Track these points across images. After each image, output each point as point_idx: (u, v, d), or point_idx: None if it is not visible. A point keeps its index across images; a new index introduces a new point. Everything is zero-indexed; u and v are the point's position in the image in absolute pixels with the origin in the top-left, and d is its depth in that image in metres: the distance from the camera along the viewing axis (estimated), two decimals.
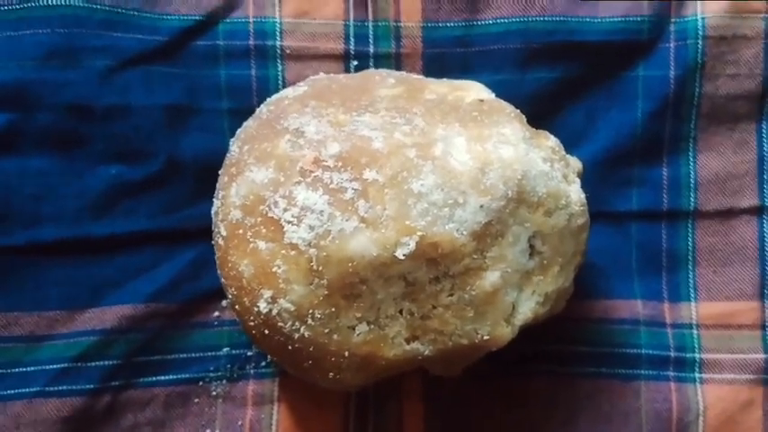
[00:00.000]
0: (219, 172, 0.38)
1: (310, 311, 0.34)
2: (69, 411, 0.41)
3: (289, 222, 0.33)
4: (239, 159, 0.36)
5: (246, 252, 0.34)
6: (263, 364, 0.44)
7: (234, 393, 0.43)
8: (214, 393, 0.43)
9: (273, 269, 0.33)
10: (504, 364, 0.43)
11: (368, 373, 0.36)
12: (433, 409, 0.43)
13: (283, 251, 0.33)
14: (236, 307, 0.36)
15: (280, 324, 0.34)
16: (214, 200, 0.38)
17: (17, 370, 0.42)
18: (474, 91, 0.39)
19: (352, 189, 0.33)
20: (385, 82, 0.38)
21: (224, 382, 0.43)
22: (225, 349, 0.43)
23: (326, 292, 0.33)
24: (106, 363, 0.42)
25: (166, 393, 0.43)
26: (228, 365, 0.43)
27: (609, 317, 0.44)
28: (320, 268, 0.33)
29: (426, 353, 0.35)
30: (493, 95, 0.39)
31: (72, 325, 0.42)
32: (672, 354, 0.44)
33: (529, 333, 0.37)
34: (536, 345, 0.43)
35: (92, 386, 0.42)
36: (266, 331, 0.35)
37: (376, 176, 0.33)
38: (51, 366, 0.42)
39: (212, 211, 0.38)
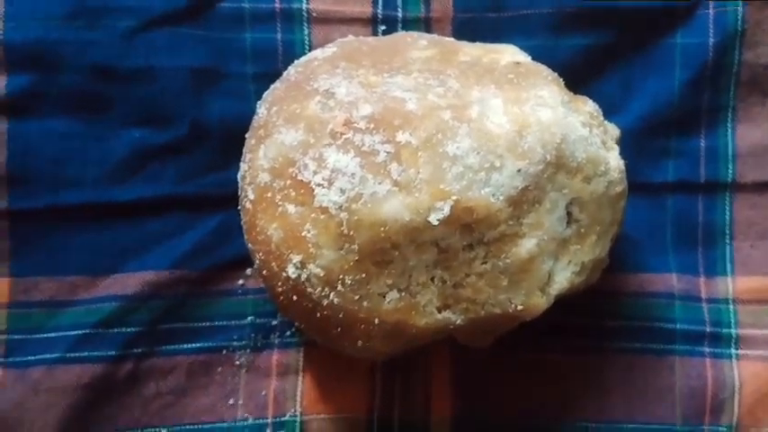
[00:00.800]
0: (246, 135, 0.37)
1: (340, 277, 0.33)
2: (90, 378, 0.41)
3: (319, 185, 0.32)
4: (267, 121, 0.35)
5: (275, 216, 0.33)
6: (288, 333, 0.43)
7: (258, 363, 0.43)
8: (238, 363, 0.43)
9: (303, 233, 0.32)
10: (536, 336, 0.42)
11: (397, 341, 0.35)
12: (461, 380, 0.42)
13: (313, 215, 0.32)
14: (264, 272, 0.35)
15: (309, 290, 0.33)
16: (241, 163, 0.37)
17: (38, 336, 0.41)
18: (509, 53, 0.37)
19: (385, 152, 0.32)
20: (417, 44, 0.37)
21: (248, 351, 0.43)
22: (249, 318, 0.43)
23: (357, 258, 0.32)
24: (128, 330, 0.41)
25: (189, 362, 0.42)
26: (252, 334, 0.43)
27: (643, 290, 0.43)
28: (351, 233, 0.32)
29: (458, 322, 0.34)
30: (529, 58, 0.38)
31: (94, 291, 0.42)
32: (707, 329, 0.43)
33: (561, 305, 0.36)
34: (568, 317, 0.42)
35: (113, 353, 0.41)
36: (294, 297, 0.34)
37: (409, 139, 0.32)
38: (72, 332, 0.41)
39: (239, 175, 0.37)
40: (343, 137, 0.33)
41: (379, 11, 0.43)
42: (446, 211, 0.32)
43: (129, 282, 0.42)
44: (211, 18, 0.43)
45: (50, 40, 0.41)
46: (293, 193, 0.33)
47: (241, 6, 0.43)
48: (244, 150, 0.37)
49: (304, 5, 0.43)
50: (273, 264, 0.34)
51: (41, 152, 0.41)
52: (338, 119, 0.33)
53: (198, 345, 0.42)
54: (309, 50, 0.43)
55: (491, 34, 0.43)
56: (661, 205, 0.44)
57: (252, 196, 0.35)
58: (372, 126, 0.33)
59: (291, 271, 0.33)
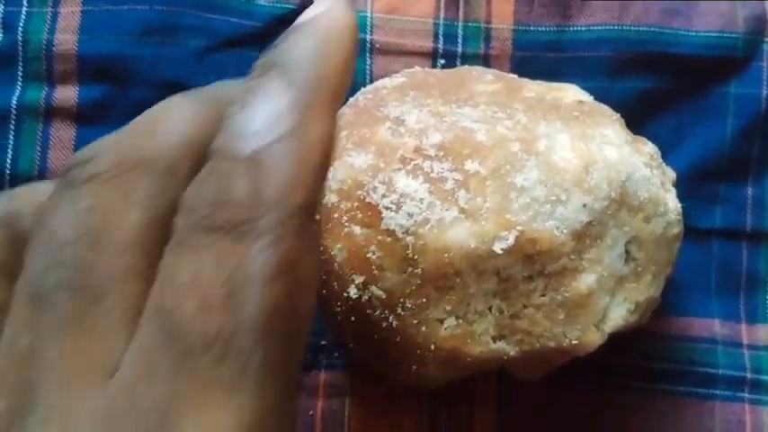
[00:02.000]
0: None
1: (401, 300, 0.33)
2: None
3: (387, 208, 0.33)
4: (336, 145, 0.36)
5: (340, 236, 0.34)
6: (336, 354, 0.43)
7: (306, 382, 0.43)
8: None
9: (368, 255, 0.33)
10: (581, 374, 0.42)
11: (451, 369, 0.35)
12: (506, 414, 0.42)
13: (379, 237, 0.33)
14: (323, 291, 0.35)
15: (369, 311, 0.34)
16: None
17: None
18: (572, 92, 0.38)
19: (453, 179, 0.33)
20: (482, 78, 0.38)
21: None
22: None
23: (419, 282, 0.33)
24: None
25: None
26: None
27: (686, 334, 0.43)
28: (416, 257, 0.32)
29: (512, 353, 0.35)
30: (591, 98, 0.39)
31: None
32: (748, 375, 0.43)
33: (607, 344, 0.36)
34: (613, 357, 0.42)
35: None
36: (353, 318, 0.34)
37: (478, 168, 0.33)
38: None
39: None
40: (413, 162, 0.33)
41: (440, 46, 0.44)
42: (510, 240, 0.32)
43: None
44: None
45: (123, 55, 0.42)
46: (360, 215, 0.33)
47: None
48: None
49: (368, 36, 0.44)
50: (335, 284, 0.34)
51: None
52: (408, 145, 0.34)
53: None
54: (370, 80, 0.44)
55: (549, 73, 0.44)
56: (707, 251, 0.44)
57: (318, 216, 0.35)
58: (442, 154, 0.33)
59: (353, 292, 0.34)
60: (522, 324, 0.34)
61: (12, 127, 0.42)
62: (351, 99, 0.39)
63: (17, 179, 0.41)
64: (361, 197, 0.34)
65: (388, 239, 0.33)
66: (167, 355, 0.19)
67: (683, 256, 0.42)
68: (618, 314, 0.35)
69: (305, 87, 0.22)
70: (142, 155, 0.22)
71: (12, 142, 0.42)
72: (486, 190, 0.32)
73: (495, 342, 0.34)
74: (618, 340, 0.37)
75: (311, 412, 0.42)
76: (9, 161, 0.42)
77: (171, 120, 0.24)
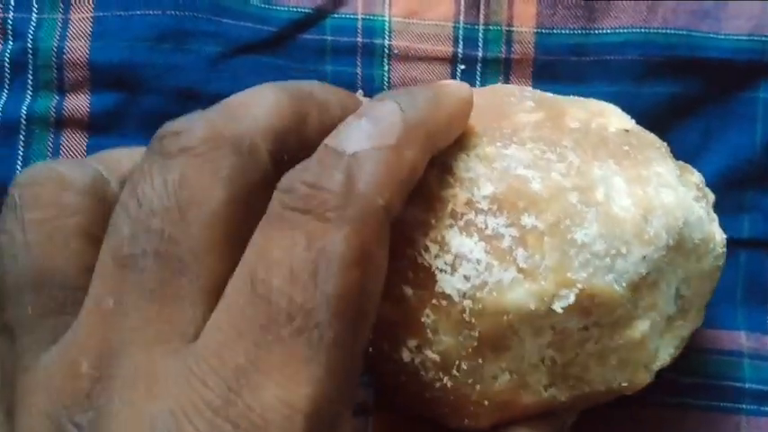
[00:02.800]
0: None
1: (456, 363, 0.32)
2: None
3: (441, 270, 0.31)
4: None
5: (391, 296, 0.32)
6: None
7: None
8: None
9: (422, 318, 0.31)
10: None
11: (502, 418, 0.34)
12: None
13: (434, 300, 0.31)
14: (371, 350, 0.34)
15: (421, 373, 0.32)
16: None
17: None
18: (615, 117, 0.36)
19: (510, 236, 0.31)
20: (522, 105, 0.35)
21: None
22: None
23: (476, 344, 0.31)
24: None
25: None
26: None
27: (712, 347, 0.43)
28: (472, 320, 0.31)
29: (562, 399, 0.34)
30: (632, 122, 0.37)
31: None
32: None
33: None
34: None
35: None
36: (403, 378, 0.33)
37: (535, 222, 0.31)
38: None
39: None
40: (465, 217, 0.31)
41: (460, 50, 0.42)
42: (571, 299, 0.31)
43: None
44: (294, 48, 0.42)
45: (137, 62, 0.40)
46: (411, 275, 0.31)
47: (323, 39, 0.42)
48: None
49: (386, 42, 0.42)
50: (385, 344, 0.33)
51: None
52: (459, 198, 0.31)
53: None
54: (388, 86, 0.42)
55: (572, 78, 0.42)
56: (734, 261, 0.44)
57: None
58: (495, 207, 0.31)
59: (405, 355, 0.32)
60: (574, 371, 0.33)
61: (21, 137, 0.40)
62: None
63: None
64: (413, 256, 0.31)
65: (444, 303, 0.31)
66: (254, 322, 0.20)
67: None
68: (666, 353, 0.35)
69: (413, 120, 0.26)
70: (230, 134, 0.24)
71: (21, 153, 0.40)
72: (545, 247, 0.31)
73: (546, 390, 0.34)
74: None
75: None
76: (19, 172, 0.40)
77: (259, 106, 0.26)
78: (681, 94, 0.43)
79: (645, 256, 0.32)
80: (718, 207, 0.43)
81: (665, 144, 0.36)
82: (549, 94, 0.38)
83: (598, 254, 0.31)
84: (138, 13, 0.40)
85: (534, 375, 0.33)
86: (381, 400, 0.42)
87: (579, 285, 0.31)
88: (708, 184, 0.42)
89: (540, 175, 0.32)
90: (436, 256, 0.31)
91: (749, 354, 0.43)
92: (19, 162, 0.41)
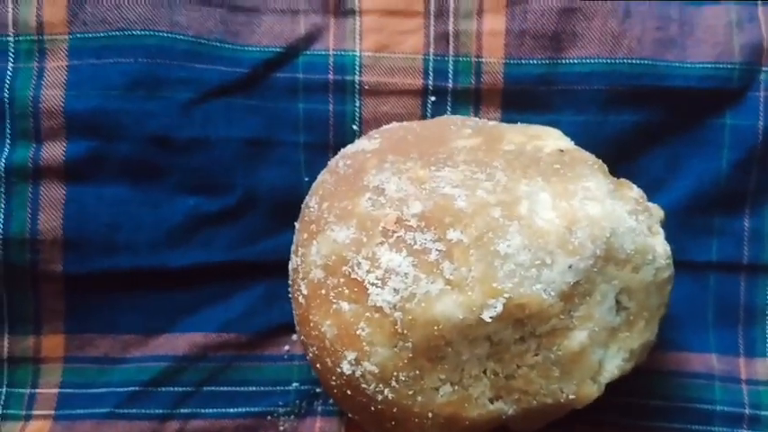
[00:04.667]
0: (297, 226, 0.38)
1: (394, 374, 0.33)
2: None
3: (373, 284, 0.33)
4: (319, 217, 0.36)
5: (329, 313, 0.34)
6: (331, 401, 0.43)
7: (301, 430, 0.43)
8: (282, 429, 0.43)
9: (357, 331, 0.33)
10: (575, 414, 0.41)
11: None
12: None
13: (367, 313, 0.33)
14: (317, 365, 0.35)
15: (363, 386, 0.34)
16: (292, 255, 0.38)
17: (89, 391, 0.42)
18: (552, 139, 0.38)
19: (437, 250, 0.33)
20: (461, 132, 0.38)
21: (292, 417, 0.43)
22: (294, 384, 0.43)
23: (411, 355, 0.33)
24: (176, 389, 0.42)
25: (235, 426, 0.42)
26: (297, 401, 0.43)
27: (683, 370, 0.43)
28: (405, 331, 0.32)
29: (510, 412, 0.35)
30: (572, 144, 0.38)
31: (145, 349, 0.43)
32: (747, 411, 0.42)
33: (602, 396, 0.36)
34: (607, 396, 0.41)
35: (161, 411, 0.42)
36: (348, 392, 0.34)
37: (460, 237, 0.33)
38: (123, 389, 0.42)
39: (290, 267, 0.38)
40: (395, 235, 0.33)
41: (430, 82, 0.44)
42: (499, 308, 0.32)
43: (178, 342, 0.43)
44: (266, 88, 0.43)
45: (110, 110, 0.42)
46: (347, 291, 0.33)
47: (295, 77, 0.44)
48: (295, 240, 0.38)
49: (357, 78, 0.44)
50: (327, 359, 0.34)
51: (97, 217, 0.42)
52: (389, 217, 0.34)
53: (244, 409, 0.43)
54: (359, 121, 0.44)
55: (540, 107, 0.43)
56: (703, 284, 0.44)
57: (305, 291, 0.35)
58: (423, 224, 0.33)
59: (346, 368, 0.34)
60: (518, 384, 0.34)
61: (2, 189, 0.42)
62: (330, 162, 0.39)
63: (9, 242, 0.42)
64: (347, 273, 0.33)
65: (376, 315, 0.33)
66: None
67: (679, 290, 0.41)
68: (613, 365, 0.35)
69: None
70: None
71: (3, 205, 0.42)
72: (471, 259, 0.32)
73: (492, 403, 0.35)
74: (613, 380, 0.37)
75: None
76: (1, 224, 0.42)
77: None
78: (647, 123, 0.44)
79: (571, 266, 0.33)
80: (686, 232, 0.43)
81: (600, 162, 0.37)
82: (494, 123, 0.40)
83: (523, 264, 0.32)
84: (111, 61, 0.42)
85: (478, 388, 0.34)
86: (352, 428, 0.43)
87: (506, 295, 0.32)
88: (675, 210, 0.43)
89: (466, 193, 0.34)
90: (368, 272, 0.33)
91: (720, 376, 0.43)
92: (1, 214, 0.41)
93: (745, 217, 0.44)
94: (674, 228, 0.41)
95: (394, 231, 0.33)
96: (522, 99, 0.44)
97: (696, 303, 0.44)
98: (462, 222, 0.33)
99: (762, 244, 0.43)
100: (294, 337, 0.44)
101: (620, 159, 0.40)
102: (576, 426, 0.42)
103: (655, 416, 0.42)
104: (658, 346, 0.41)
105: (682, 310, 0.43)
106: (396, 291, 0.32)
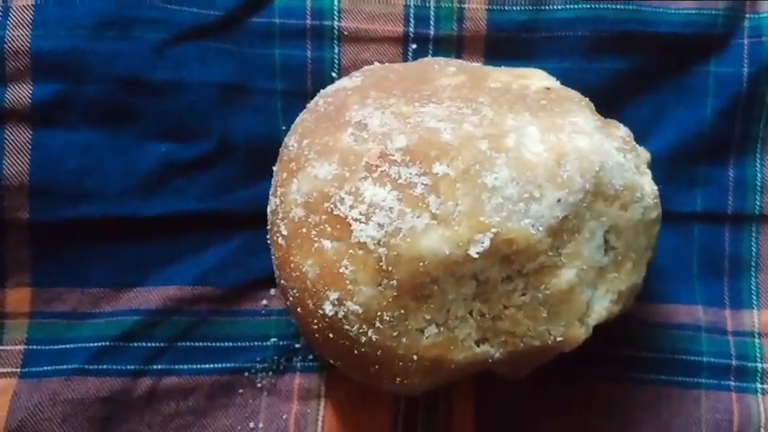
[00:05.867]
0: (275, 168, 0.37)
1: (379, 314, 0.32)
2: (109, 392, 0.40)
3: (356, 220, 0.31)
4: (298, 154, 0.34)
5: (311, 252, 0.32)
6: (311, 357, 0.42)
7: (280, 386, 0.42)
8: (259, 385, 0.42)
9: (340, 270, 0.32)
10: (561, 366, 0.40)
11: (436, 376, 0.34)
12: (485, 409, 0.42)
13: (350, 251, 0.32)
14: (298, 310, 0.34)
15: (346, 327, 0.32)
16: (270, 197, 0.36)
17: (56, 347, 0.41)
18: (537, 78, 0.37)
19: (422, 184, 0.31)
20: (445, 71, 0.36)
21: (270, 374, 0.42)
22: (272, 340, 0.42)
23: (396, 294, 0.32)
24: (149, 344, 0.41)
25: (210, 382, 0.41)
26: (275, 357, 0.42)
27: (670, 322, 0.42)
28: (390, 268, 0.31)
29: (497, 355, 0.34)
30: (557, 83, 0.37)
31: (116, 303, 0.41)
32: (733, 362, 0.42)
33: (589, 339, 0.35)
34: (594, 348, 0.40)
35: (132, 367, 0.40)
36: (330, 335, 0.33)
37: (447, 170, 0.31)
38: (92, 344, 0.40)
39: (269, 210, 0.36)
40: (379, 169, 0.32)
41: (411, 29, 0.43)
42: (486, 243, 0.31)
43: (151, 296, 0.41)
44: (241, 33, 0.42)
45: (78, 50, 0.40)
46: (329, 229, 0.32)
47: (272, 22, 0.42)
48: (273, 183, 0.36)
49: (335, 23, 0.42)
50: (309, 301, 0.33)
51: (65, 163, 0.40)
52: (373, 151, 0.32)
53: (220, 365, 0.41)
54: (339, 69, 0.42)
55: (524, 55, 0.43)
56: (688, 235, 0.43)
57: (285, 232, 0.34)
58: (408, 158, 0.32)
59: (328, 309, 0.32)
60: (505, 325, 0.33)
61: None
62: (310, 103, 0.38)
63: None
64: (329, 209, 0.32)
65: (360, 252, 0.31)
66: None
67: (663, 241, 0.40)
68: (601, 306, 0.35)
69: None
70: None
71: None
72: (457, 193, 0.31)
73: (478, 346, 0.34)
74: (600, 329, 0.36)
75: (284, 416, 0.41)
76: None
77: None
78: (631, 70, 0.43)
79: (559, 200, 0.32)
80: (670, 182, 0.43)
81: (587, 99, 0.36)
82: (478, 64, 0.39)
83: (511, 198, 0.31)
84: None
85: (463, 329, 0.33)
86: (332, 384, 0.42)
87: (494, 229, 0.31)
88: (660, 159, 0.42)
89: (452, 127, 0.33)
90: (351, 207, 0.32)
91: (707, 328, 0.42)
92: None
93: (729, 166, 0.43)
94: (658, 178, 0.40)
95: (378, 166, 0.32)
96: (505, 46, 0.43)
97: (681, 254, 0.43)
98: (448, 155, 0.32)
99: (746, 193, 0.43)
100: (273, 291, 0.42)
101: (605, 107, 0.39)
102: (563, 378, 0.41)
103: (642, 367, 0.42)
104: (644, 297, 0.41)
105: (667, 262, 0.43)
106: (380, 226, 0.31)
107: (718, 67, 0.43)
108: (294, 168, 0.34)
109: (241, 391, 0.42)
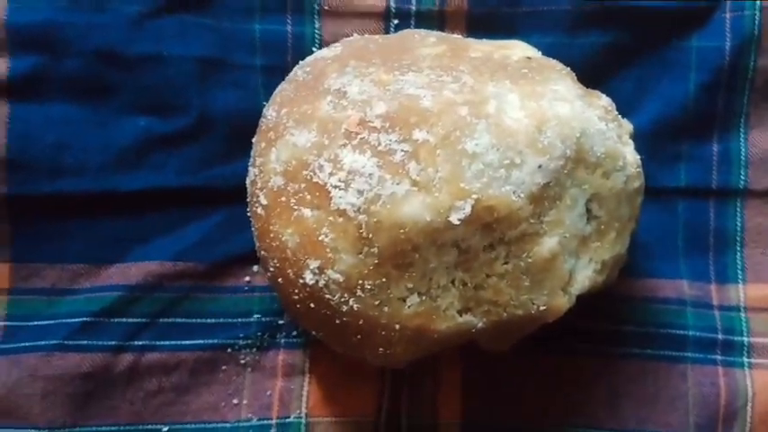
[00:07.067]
0: (254, 139, 0.36)
1: (360, 282, 0.32)
2: (90, 367, 0.40)
3: (335, 187, 0.31)
4: (277, 123, 0.34)
5: (290, 221, 0.32)
6: (294, 333, 0.42)
7: (263, 363, 0.41)
8: (243, 362, 0.41)
9: (320, 238, 0.31)
10: (546, 341, 0.41)
11: (419, 347, 0.34)
12: (471, 383, 0.41)
13: (330, 218, 0.31)
14: (279, 280, 0.34)
15: (327, 296, 0.32)
16: (249, 167, 0.36)
17: (35, 323, 0.40)
18: (519, 49, 0.37)
19: (402, 151, 0.31)
20: (425, 41, 0.36)
21: (254, 350, 0.42)
22: (255, 316, 0.42)
23: (377, 261, 0.31)
24: (130, 320, 0.40)
25: (193, 359, 0.41)
26: (259, 333, 0.42)
27: (655, 296, 0.42)
28: (370, 235, 0.31)
29: (480, 325, 0.34)
30: (539, 53, 0.37)
31: (96, 279, 0.41)
32: (719, 336, 0.42)
33: (573, 308, 0.35)
34: (579, 321, 0.41)
35: (113, 343, 0.40)
36: (312, 305, 0.33)
37: (426, 137, 0.31)
38: (72, 320, 0.40)
39: (248, 180, 0.36)
40: (358, 137, 0.32)
41: (392, 4, 0.42)
42: (467, 210, 0.31)
43: (132, 272, 0.41)
44: (221, 7, 0.42)
45: (56, 23, 0.40)
46: (309, 197, 0.32)
47: None
48: (252, 154, 0.36)
49: None
50: (289, 271, 0.33)
51: (43, 137, 0.40)
52: (352, 118, 0.32)
53: (202, 341, 0.41)
54: (320, 44, 0.42)
55: (506, 29, 0.42)
56: (672, 210, 0.43)
57: (264, 201, 0.33)
58: (388, 125, 0.32)
59: (309, 277, 0.32)
60: (487, 294, 0.33)
61: None
62: (289, 74, 0.37)
63: None
64: (308, 177, 0.32)
65: (340, 220, 0.31)
66: None
67: (648, 216, 0.40)
68: (584, 275, 0.34)
69: None
70: None
71: None
72: (437, 159, 0.31)
73: (461, 315, 0.33)
74: (585, 304, 0.36)
75: (269, 392, 0.41)
76: None
77: None
78: (614, 44, 0.43)
79: (540, 166, 0.32)
80: (654, 157, 0.42)
81: (569, 69, 0.36)
82: (459, 36, 0.39)
83: (492, 164, 0.31)
84: None
85: (446, 299, 0.33)
86: (316, 359, 0.42)
87: (474, 196, 0.31)
88: (643, 134, 0.42)
89: (432, 93, 0.32)
90: (330, 174, 0.31)
91: (692, 302, 0.42)
92: None
93: (713, 141, 0.43)
94: (642, 153, 0.40)
95: (357, 133, 0.32)
96: (488, 21, 0.42)
97: (666, 229, 0.43)
98: (428, 122, 0.31)
99: (730, 168, 0.43)
100: (256, 267, 0.42)
101: (588, 82, 0.39)
102: (548, 352, 0.41)
103: (628, 342, 0.42)
104: (629, 272, 0.41)
105: (652, 237, 0.42)
106: (360, 192, 0.31)
107: (701, 41, 0.43)
108: (273, 137, 0.34)
109: (224, 367, 0.41)
